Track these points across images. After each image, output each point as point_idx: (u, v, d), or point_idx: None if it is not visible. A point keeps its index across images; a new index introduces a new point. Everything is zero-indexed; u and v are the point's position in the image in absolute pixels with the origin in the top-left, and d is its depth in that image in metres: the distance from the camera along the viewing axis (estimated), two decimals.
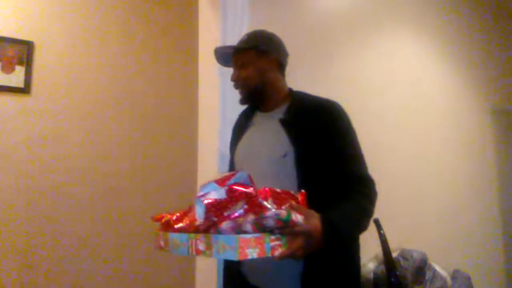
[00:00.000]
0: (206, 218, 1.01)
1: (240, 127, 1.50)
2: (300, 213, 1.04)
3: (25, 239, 2.21)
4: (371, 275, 2.21)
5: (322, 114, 1.30)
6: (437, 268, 2.32)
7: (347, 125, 1.33)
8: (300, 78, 2.04)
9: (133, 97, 2.60)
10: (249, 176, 1.05)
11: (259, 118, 1.46)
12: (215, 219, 1.00)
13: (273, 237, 0.99)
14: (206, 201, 1.00)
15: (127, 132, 2.55)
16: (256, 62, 1.38)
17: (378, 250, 2.13)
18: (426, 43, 2.81)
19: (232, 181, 1.02)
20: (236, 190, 1.01)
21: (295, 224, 1.01)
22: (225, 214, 1.00)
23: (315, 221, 1.07)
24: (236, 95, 1.43)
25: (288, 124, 1.31)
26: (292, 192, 1.14)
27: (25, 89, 2.32)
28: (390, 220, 2.13)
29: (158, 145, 2.60)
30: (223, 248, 0.95)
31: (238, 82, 1.41)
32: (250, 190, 1.01)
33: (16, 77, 2.30)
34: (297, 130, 1.29)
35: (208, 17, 1.84)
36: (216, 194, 1.01)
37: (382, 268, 2.15)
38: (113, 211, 2.41)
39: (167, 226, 1.14)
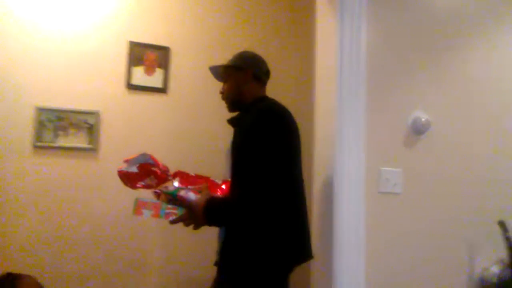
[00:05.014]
0: (124, 183, 1.43)
1: None
2: (198, 193, 1.33)
3: None
4: (495, 279, 2.09)
5: (252, 118, 1.44)
6: None
7: (265, 132, 1.37)
8: (421, 80, 1.97)
9: None
10: (151, 157, 1.44)
11: None
12: (129, 184, 1.42)
13: (169, 206, 1.31)
14: (118, 170, 1.41)
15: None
16: (234, 76, 1.65)
17: (503, 253, 2.01)
18: None
19: (136, 159, 1.41)
20: (145, 167, 1.41)
21: (183, 199, 1.30)
22: (138, 184, 1.43)
23: (201, 199, 1.31)
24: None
25: (231, 124, 1.62)
26: (213, 179, 1.49)
27: (163, 89, 2.67)
28: None
29: None
30: (133, 206, 1.30)
31: (223, 93, 1.70)
32: (156, 169, 1.43)
33: (156, 79, 2.67)
34: (236, 129, 1.56)
35: (325, 25, 1.88)
36: (127, 168, 1.42)
37: (508, 272, 2.03)
38: None
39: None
